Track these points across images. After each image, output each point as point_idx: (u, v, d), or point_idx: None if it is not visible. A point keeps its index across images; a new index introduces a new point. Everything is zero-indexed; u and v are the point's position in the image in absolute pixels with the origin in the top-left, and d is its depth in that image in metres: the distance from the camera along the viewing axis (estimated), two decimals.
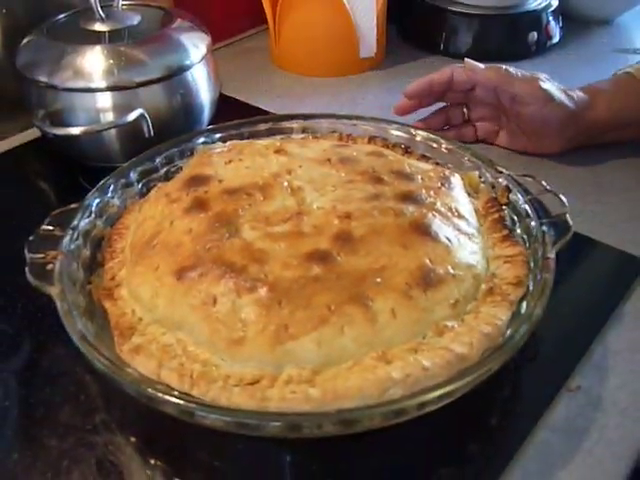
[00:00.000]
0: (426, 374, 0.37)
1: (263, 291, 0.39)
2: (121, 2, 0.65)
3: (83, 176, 0.64)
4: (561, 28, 0.94)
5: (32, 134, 0.71)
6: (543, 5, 0.91)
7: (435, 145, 0.57)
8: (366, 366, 0.37)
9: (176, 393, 0.36)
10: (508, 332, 0.39)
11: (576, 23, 0.98)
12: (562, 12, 0.96)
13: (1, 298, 0.52)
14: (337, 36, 0.82)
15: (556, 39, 0.92)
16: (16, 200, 0.64)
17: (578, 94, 0.64)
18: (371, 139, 0.58)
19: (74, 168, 0.65)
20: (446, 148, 0.56)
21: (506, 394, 0.44)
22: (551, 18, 0.91)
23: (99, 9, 0.62)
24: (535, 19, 0.90)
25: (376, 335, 0.39)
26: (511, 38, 0.89)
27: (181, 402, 0.35)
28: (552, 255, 0.44)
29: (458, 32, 0.91)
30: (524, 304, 0.41)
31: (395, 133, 0.58)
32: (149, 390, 0.36)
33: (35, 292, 0.43)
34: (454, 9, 0.90)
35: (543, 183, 0.50)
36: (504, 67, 0.65)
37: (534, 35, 0.89)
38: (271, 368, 0.38)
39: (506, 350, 0.38)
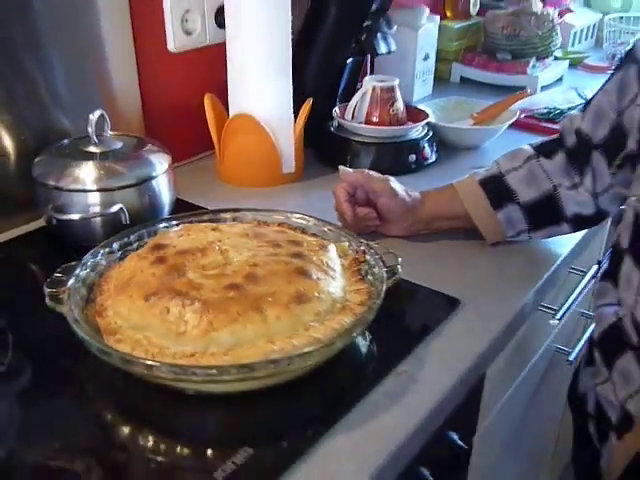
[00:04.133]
0: (294, 348, 0.62)
1: (198, 304, 0.64)
2: (109, 132, 0.93)
3: (76, 254, 0.88)
4: (436, 152, 1.25)
5: (36, 225, 0.97)
6: (421, 135, 1.22)
7: (323, 228, 0.84)
8: (259, 346, 0.62)
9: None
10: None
11: (451, 149, 1.30)
12: (441, 141, 1.28)
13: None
14: (264, 157, 1.11)
15: (431, 160, 1.23)
16: (27, 269, 0.88)
17: (414, 194, 0.93)
18: (280, 224, 0.85)
19: (69, 248, 0.90)
20: (329, 229, 0.83)
21: (352, 374, 0.69)
22: (427, 145, 1.22)
23: (94, 137, 0.90)
24: (415, 145, 1.21)
25: (267, 330, 0.63)
26: (397, 159, 1.19)
27: (148, 362, 0.59)
28: (383, 288, 0.70)
29: (359, 155, 1.20)
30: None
31: (296, 220, 0.86)
32: (127, 357, 0.60)
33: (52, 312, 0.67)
34: (356, 139, 1.21)
35: (389, 249, 0.78)
36: (366, 171, 0.94)
37: (413, 157, 1.20)
38: (201, 348, 0.62)
39: (345, 336, 0.63)
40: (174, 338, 0.63)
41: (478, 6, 1.94)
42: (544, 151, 0.90)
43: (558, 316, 0.97)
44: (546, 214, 0.90)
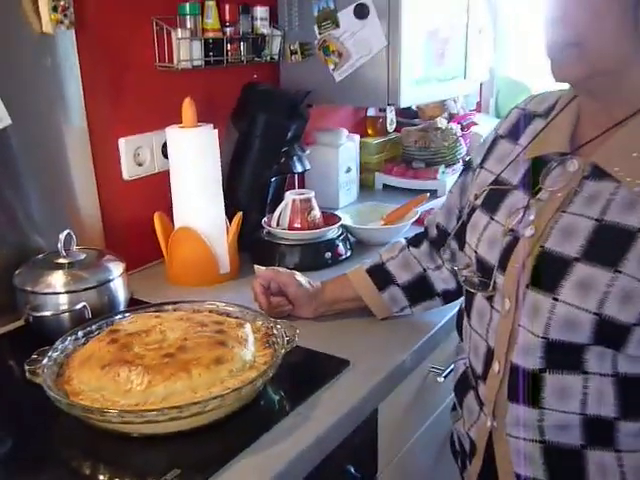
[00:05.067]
0: (211, 394, 0.84)
1: (140, 368, 0.87)
2: (74, 247, 1.17)
3: (49, 343, 1.10)
4: (351, 249, 1.52)
5: (15, 325, 1.19)
6: (335, 236, 1.49)
7: (243, 312, 1.08)
8: (186, 395, 0.85)
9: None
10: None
11: (366, 245, 1.57)
12: (357, 240, 1.55)
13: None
14: (204, 261, 1.36)
15: (346, 256, 1.49)
16: (10, 355, 1.10)
17: (316, 283, 1.18)
18: (210, 311, 1.09)
19: (43, 339, 1.11)
20: (247, 313, 1.07)
21: (261, 415, 0.91)
22: (340, 244, 1.49)
23: (62, 251, 1.14)
24: (330, 244, 1.47)
25: (192, 383, 0.86)
26: (315, 256, 1.45)
27: (103, 410, 0.81)
28: (282, 352, 0.93)
29: (285, 255, 1.45)
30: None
31: (223, 308, 1.09)
32: (87, 407, 0.82)
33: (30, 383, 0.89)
34: (281, 242, 1.47)
35: (292, 325, 1.02)
36: (276, 268, 1.19)
37: (329, 254, 1.46)
38: (143, 400, 0.84)
39: (249, 385, 0.86)
40: (122, 394, 0.85)
41: (395, 124, 2.28)
42: (413, 242, 1.17)
43: (444, 375, 1.20)
44: (420, 292, 1.15)
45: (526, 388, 0.84)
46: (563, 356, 0.80)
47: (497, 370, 0.87)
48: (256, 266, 1.21)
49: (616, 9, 0.74)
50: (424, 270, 1.15)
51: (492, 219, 0.91)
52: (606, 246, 0.77)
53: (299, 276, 1.18)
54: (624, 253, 0.75)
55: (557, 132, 0.87)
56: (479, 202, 0.94)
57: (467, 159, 1.09)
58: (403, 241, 1.19)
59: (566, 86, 0.87)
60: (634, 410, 0.80)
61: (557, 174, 0.84)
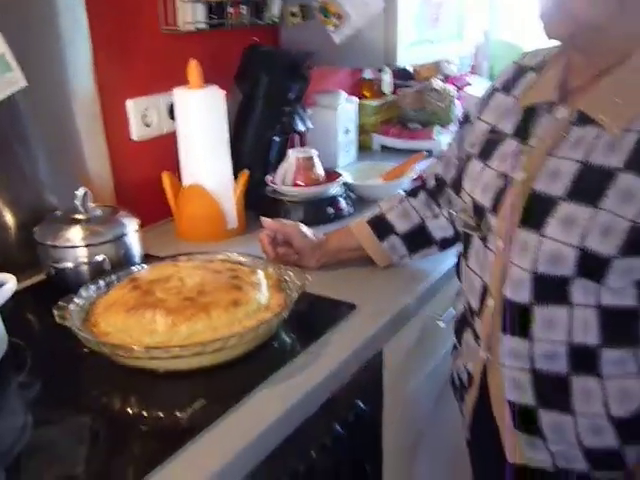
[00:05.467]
0: (231, 331, 0.91)
1: (164, 310, 0.93)
2: (90, 204, 1.22)
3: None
4: (352, 206, 1.58)
5: (37, 279, 1.25)
6: (337, 192, 1.55)
7: (255, 261, 1.14)
8: (207, 334, 0.91)
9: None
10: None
11: (366, 202, 1.62)
12: (358, 197, 1.61)
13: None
14: (212, 217, 1.42)
15: (347, 212, 1.55)
16: (35, 308, 1.16)
17: (320, 235, 1.24)
18: (222, 260, 1.15)
19: (64, 292, 1.17)
20: (259, 262, 1.14)
21: (276, 353, 0.98)
22: (342, 200, 1.55)
23: (80, 207, 1.19)
24: (332, 200, 1.53)
25: (212, 324, 0.92)
26: (318, 212, 1.51)
27: (132, 346, 0.88)
28: (294, 296, 1.00)
29: (289, 212, 1.51)
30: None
31: (235, 257, 1.16)
32: (117, 345, 0.88)
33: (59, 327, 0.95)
34: (286, 199, 1.52)
35: (301, 271, 1.08)
36: (282, 219, 1.25)
37: (331, 210, 1.52)
38: (167, 339, 0.91)
39: (265, 325, 0.93)
40: (148, 334, 0.92)
41: (391, 86, 2.32)
42: (412, 193, 1.23)
43: (444, 319, 1.27)
44: (419, 240, 1.21)
45: (517, 320, 0.91)
46: (550, 289, 0.87)
47: (491, 305, 0.94)
48: (263, 218, 1.27)
49: None
50: (422, 219, 1.21)
51: (486, 165, 0.97)
52: (588, 185, 0.83)
53: (304, 227, 1.24)
54: (604, 191, 0.81)
55: (546, 83, 0.93)
56: (475, 150, 1.00)
57: (465, 112, 1.15)
58: (402, 193, 1.25)
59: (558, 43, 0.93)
60: (615, 339, 0.87)
61: (546, 121, 0.91)
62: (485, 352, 0.97)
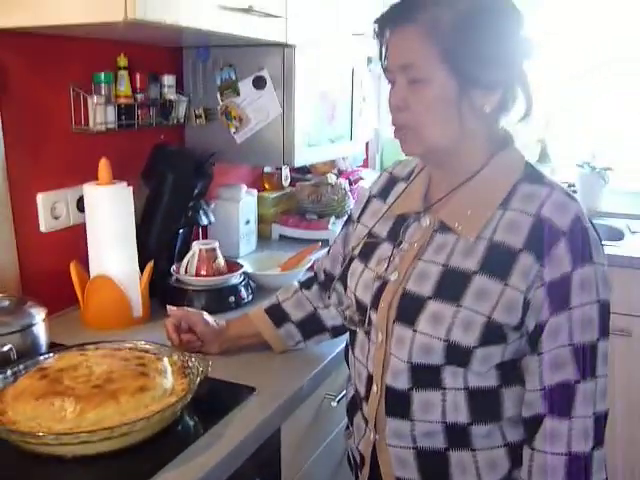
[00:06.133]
0: (138, 415, 0.98)
1: (73, 398, 0.99)
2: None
3: None
4: (252, 293, 1.68)
5: None
6: (238, 282, 1.66)
7: (159, 348, 1.22)
8: (115, 419, 0.98)
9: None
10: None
11: (266, 290, 1.73)
12: (258, 285, 1.72)
13: None
14: (118, 306, 1.48)
15: (247, 299, 1.66)
16: None
17: (221, 322, 1.34)
18: (130, 348, 1.22)
19: None
20: (164, 349, 1.21)
21: (180, 435, 1.05)
22: (243, 289, 1.65)
23: None
24: (233, 289, 1.63)
25: (120, 409, 0.99)
26: (220, 300, 1.60)
27: (39, 433, 0.93)
28: (198, 380, 1.08)
29: (192, 300, 1.59)
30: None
31: (141, 345, 1.23)
32: (26, 432, 0.93)
33: None
34: (189, 288, 1.61)
35: (204, 357, 1.17)
36: (186, 308, 1.35)
37: (232, 298, 1.62)
38: (76, 425, 0.96)
39: (170, 408, 1.00)
40: (58, 421, 0.97)
41: (289, 180, 2.49)
42: (305, 284, 1.36)
43: (337, 399, 1.38)
44: (312, 327, 1.33)
45: (399, 404, 1.04)
46: (425, 376, 1.00)
47: (375, 391, 1.06)
48: (169, 306, 1.35)
49: (444, 104, 0.96)
50: (315, 309, 1.33)
51: (366, 266, 1.11)
52: (450, 286, 0.98)
53: (206, 315, 1.34)
54: (463, 290, 0.97)
55: (413, 195, 1.09)
56: (356, 252, 1.14)
57: (349, 213, 1.30)
58: (296, 284, 1.38)
59: None
60: (482, 416, 1.01)
61: (414, 228, 1.06)
62: (373, 433, 1.08)
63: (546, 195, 0.97)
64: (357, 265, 1.13)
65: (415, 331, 0.99)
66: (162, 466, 0.97)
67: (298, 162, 1.86)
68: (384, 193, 1.17)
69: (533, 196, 0.97)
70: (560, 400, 0.95)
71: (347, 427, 1.24)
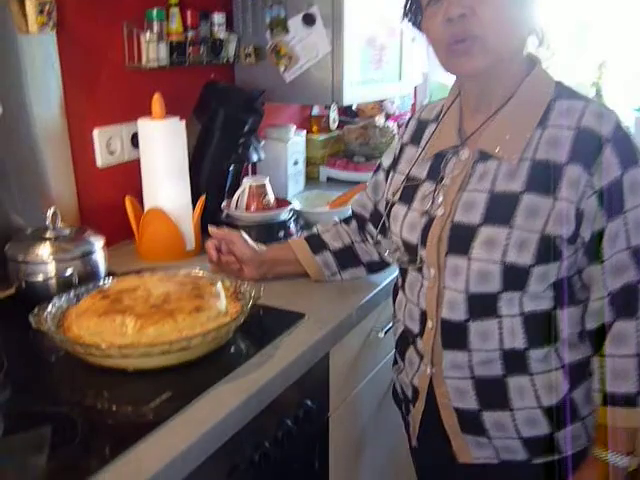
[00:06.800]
0: (195, 333, 1.02)
1: (133, 315, 1.04)
2: (59, 224, 1.32)
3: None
4: (301, 230, 1.71)
5: (6, 294, 1.33)
6: (287, 218, 1.68)
7: (213, 275, 1.26)
8: (173, 335, 1.02)
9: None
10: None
11: (312, 227, 1.76)
12: (306, 222, 1.75)
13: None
14: (172, 239, 1.53)
15: (296, 235, 1.68)
16: (8, 316, 1.25)
17: (260, 246, 1.37)
18: (185, 275, 1.26)
19: (34, 305, 1.26)
20: (216, 276, 1.25)
21: (234, 354, 1.09)
22: (292, 225, 1.68)
23: (50, 226, 1.29)
24: (282, 225, 1.66)
25: (177, 326, 1.04)
26: (270, 235, 1.62)
27: (103, 345, 0.98)
28: (250, 303, 1.12)
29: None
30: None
31: (196, 273, 1.27)
32: (91, 344, 0.99)
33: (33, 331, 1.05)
34: (239, 224, 1.64)
35: (259, 285, 1.20)
36: (226, 229, 1.38)
37: (282, 234, 1.64)
38: (137, 340, 1.01)
39: (224, 327, 1.05)
40: (119, 335, 1.02)
41: (337, 122, 2.49)
42: (345, 220, 1.39)
43: (384, 331, 1.41)
44: (348, 259, 1.36)
45: (455, 336, 1.05)
46: (481, 306, 1.02)
47: (431, 326, 1.08)
48: (210, 226, 1.39)
49: (510, 6, 0.95)
50: (352, 242, 1.36)
51: (409, 208, 1.11)
52: (499, 209, 0.99)
53: (246, 236, 1.38)
54: (513, 212, 0.97)
55: (448, 131, 1.09)
56: (397, 198, 1.15)
57: (379, 163, 1.30)
58: (336, 218, 1.41)
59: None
60: (538, 340, 1.02)
61: (454, 163, 1.06)
62: (430, 367, 1.10)
63: (584, 107, 0.98)
64: (399, 208, 1.14)
65: (470, 259, 1.00)
66: (217, 380, 1.01)
67: (347, 100, 1.86)
68: (416, 138, 1.17)
69: (571, 110, 0.98)
70: (625, 303, 0.97)
71: (395, 362, 1.26)
